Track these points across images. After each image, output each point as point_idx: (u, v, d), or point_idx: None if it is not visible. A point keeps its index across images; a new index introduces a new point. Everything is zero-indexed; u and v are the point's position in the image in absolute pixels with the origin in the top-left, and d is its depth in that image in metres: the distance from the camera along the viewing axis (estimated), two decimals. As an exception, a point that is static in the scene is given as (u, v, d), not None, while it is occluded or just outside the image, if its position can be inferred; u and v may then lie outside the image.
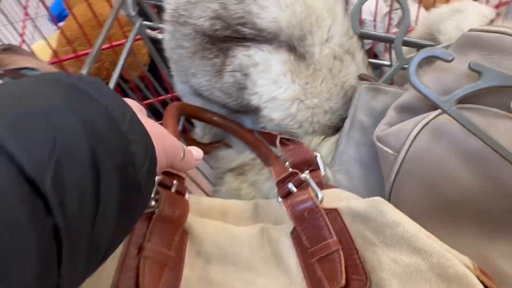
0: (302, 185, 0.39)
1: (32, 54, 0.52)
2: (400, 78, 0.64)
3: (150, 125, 0.27)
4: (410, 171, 0.40)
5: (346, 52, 0.47)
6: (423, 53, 0.37)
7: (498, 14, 0.50)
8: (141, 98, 1.01)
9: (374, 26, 0.94)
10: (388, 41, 0.52)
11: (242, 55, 0.50)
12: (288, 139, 0.46)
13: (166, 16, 0.52)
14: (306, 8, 0.46)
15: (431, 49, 0.36)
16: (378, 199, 0.34)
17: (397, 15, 0.97)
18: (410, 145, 0.40)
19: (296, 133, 0.48)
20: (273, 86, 0.48)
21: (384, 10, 0.93)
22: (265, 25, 0.47)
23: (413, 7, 0.97)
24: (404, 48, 0.59)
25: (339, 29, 0.47)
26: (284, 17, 0.46)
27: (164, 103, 0.97)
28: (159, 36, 0.60)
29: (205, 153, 0.69)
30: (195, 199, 0.40)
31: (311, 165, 0.44)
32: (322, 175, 0.41)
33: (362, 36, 0.50)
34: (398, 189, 0.41)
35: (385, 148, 0.41)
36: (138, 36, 0.62)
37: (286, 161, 0.44)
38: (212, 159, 0.60)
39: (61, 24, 1.34)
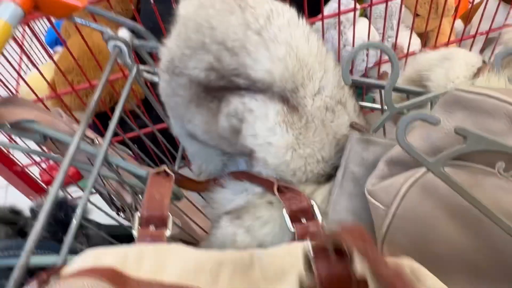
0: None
1: (28, 103, 0.54)
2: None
3: None
4: (401, 226, 0.41)
5: (338, 102, 0.49)
6: (410, 116, 0.38)
7: (484, 62, 0.52)
8: (138, 126, 1.02)
9: (367, 55, 0.95)
10: (379, 87, 0.53)
11: (237, 102, 0.51)
12: (285, 187, 0.47)
13: (162, 66, 0.53)
14: (298, 62, 0.47)
15: (418, 113, 0.38)
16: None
17: (389, 43, 0.99)
18: (400, 202, 0.41)
19: (290, 180, 0.50)
20: (268, 132, 0.49)
21: (376, 38, 0.95)
22: (259, 76, 0.49)
23: (405, 33, 0.99)
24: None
25: (331, 81, 0.49)
26: (276, 69, 0.48)
27: (163, 132, 0.99)
28: (156, 79, 0.62)
29: (201, 191, 0.70)
30: None
31: (308, 214, 0.45)
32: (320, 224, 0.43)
33: (354, 84, 0.51)
34: (389, 241, 0.43)
35: (376, 203, 0.42)
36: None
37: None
38: (209, 200, 0.61)
39: (58, 48, 1.36)
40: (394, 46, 0.95)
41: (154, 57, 0.82)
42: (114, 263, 0.32)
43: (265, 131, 0.49)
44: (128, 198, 0.64)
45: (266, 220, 0.50)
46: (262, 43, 0.48)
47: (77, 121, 1.02)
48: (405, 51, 0.97)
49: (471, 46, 1.01)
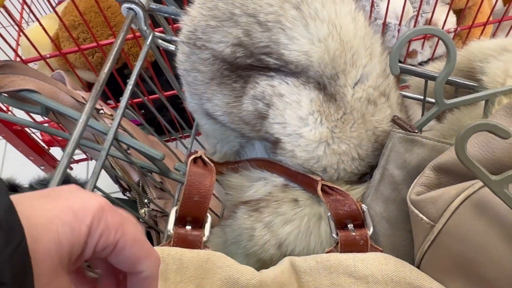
0: None
1: (28, 69, 0.47)
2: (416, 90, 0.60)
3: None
4: (446, 244, 0.37)
5: (381, 94, 0.43)
6: (475, 125, 0.32)
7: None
8: (146, 91, 0.96)
9: (398, 31, 0.88)
10: (428, 78, 0.47)
11: (265, 84, 0.46)
12: (331, 187, 0.42)
13: (182, 36, 0.46)
14: (341, 45, 0.41)
15: (485, 122, 0.32)
16: None
17: (422, 18, 0.91)
18: (449, 217, 0.36)
19: (320, 176, 0.45)
20: (299, 122, 0.43)
21: (410, 13, 0.87)
22: (293, 57, 0.43)
23: (441, 8, 0.91)
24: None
25: (376, 69, 0.42)
26: (315, 52, 0.41)
27: (171, 98, 0.92)
28: (171, 47, 0.55)
29: (216, 173, 0.65)
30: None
31: (357, 219, 0.40)
32: (369, 234, 0.38)
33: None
34: (430, 258, 0.38)
35: (420, 215, 0.37)
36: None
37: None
38: (224, 186, 0.56)
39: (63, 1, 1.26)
40: (429, 22, 0.88)
41: (170, 22, 0.75)
42: None
43: (296, 120, 0.43)
44: (135, 176, 0.59)
45: (289, 218, 0.45)
46: (300, 19, 0.42)
47: (82, 82, 0.95)
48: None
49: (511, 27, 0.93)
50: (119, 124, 0.44)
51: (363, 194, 0.43)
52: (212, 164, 0.41)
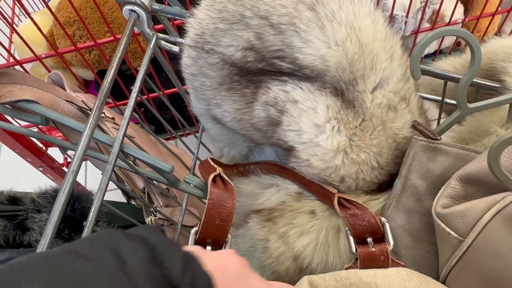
0: None
1: (26, 77, 0.45)
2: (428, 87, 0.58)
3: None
4: (476, 259, 0.35)
5: (401, 99, 0.41)
6: (509, 139, 0.30)
7: None
8: (146, 89, 0.93)
9: (405, 23, 0.85)
10: (448, 79, 0.45)
11: (277, 89, 0.43)
12: (348, 200, 0.40)
13: (188, 40, 0.44)
14: (360, 48, 0.39)
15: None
16: None
17: (430, 9, 0.88)
18: (479, 232, 0.34)
19: (338, 186, 0.42)
20: (316, 130, 0.41)
21: (417, 5, 0.85)
22: (308, 62, 0.40)
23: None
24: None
25: (396, 73, 0.40)
26: (333, 56, 0.39)
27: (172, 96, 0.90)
28: (175, 49, 0.52)
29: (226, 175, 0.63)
30: None
31: (377, 234, 0.38)
32: (390, 249, 0.36)
33: (419, 75, 0.43)
34: (458, 274, 0.36)
35: (448, 229, 0.36)
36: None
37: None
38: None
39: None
40: (437, 13, 0.85)
41: (173, 23, 0.72)
42: None
43: (312, 128, 0.41)
44: (140, 183, 0.57)
45: (306, 230, 0.43)
46: (316, 21, 0.39)
47: (78, 80, 0.92)
48: (447, 19, 0.87)
49: (520, 18, 0.91)
50: (125, 134, 0.42)
51: (384, 205, 0.41)
52: (232, 184, 0.39)
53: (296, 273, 0.45)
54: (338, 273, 0.38)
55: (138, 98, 0.89)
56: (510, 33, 0.97)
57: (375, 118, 0.40)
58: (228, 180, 0.40)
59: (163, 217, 0.54)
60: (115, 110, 0.88)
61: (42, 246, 0.33)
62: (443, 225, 0.36)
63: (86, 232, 0.37)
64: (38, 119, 0.44)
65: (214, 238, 0.37)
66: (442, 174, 0.39)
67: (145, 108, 0.98)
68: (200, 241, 0.36)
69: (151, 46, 0.47)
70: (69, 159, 1.00)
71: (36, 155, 0.96)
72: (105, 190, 0.39)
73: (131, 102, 0.43)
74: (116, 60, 0.40)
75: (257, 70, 0.43)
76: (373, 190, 0.43)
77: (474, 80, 0.45)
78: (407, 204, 0.40)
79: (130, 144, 0.42)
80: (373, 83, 0.40)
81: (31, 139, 0.95)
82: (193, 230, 0.36)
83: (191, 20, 0.43)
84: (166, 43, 0.52)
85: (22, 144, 0.91)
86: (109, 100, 0.94)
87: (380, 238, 0.38)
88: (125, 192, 0.57)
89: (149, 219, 0.55)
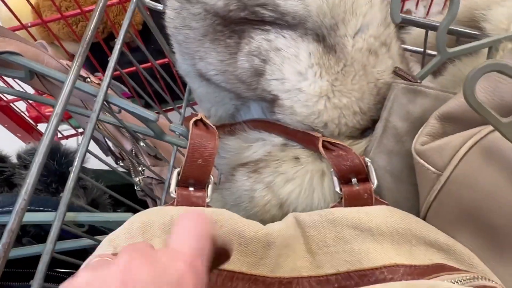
0: None
1: (8, 32, 0.45)
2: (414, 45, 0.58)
3: None
4: (454, 192, 0.36)
5: (382, 44, 0.41)
6: (485, 65, 0.31)
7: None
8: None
9: None
10: (429, 28, 0.45)
11: (260, 39, 0.44)
12: (332, 143, 0.41)
13: (171, -10, 0.44)
14: (340, -8, 0.39)
15: (495, 63, 0.31)
16: None
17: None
18: (456, 165, 0.35)
19: (321, 132, 0.43)
20: (298, 76, 0.42)
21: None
22: (290, 8, 0.41)
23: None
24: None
25: (377, 17, 0.41)
26: (314, 1, 0.39)
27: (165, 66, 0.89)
28: (159, 7, 0.53)
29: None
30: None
31: (361, 174, 0.39)
32: (374, 188, 0.37)
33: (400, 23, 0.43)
34: (437, 209, 0.37)
35: (426, 165, 0.36)
36: None
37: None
38: (219, 150, 0.54)
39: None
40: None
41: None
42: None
43: (295, 75, 0.42)
44: (128, 145, 0.57)
45: (291, 177, 0.44)
46: (296, -35, 0.40)
47: (67, 53, 0.92)
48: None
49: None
50: (109, 86, 0.42)
51: (366, 148, 0.42)
52: (214, 127, 0.40)
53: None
54: (323, 210, 0.39)
55: (128, 70, 0.89)
56: None
57: (356, 63, 0.41)
58: (210, 124, 0.40)
59: (151, 176, 0.55)
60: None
61: (23, 195, 0.33)
62: (421, 161, 0.37)
63: (71, 178, 0.38)
64: (22, 73, 0.45)
65: (196, 178, 0.37)
66: (422, 116, 0.40)
67: (135, 81, 0.98)
68: (183, 181, 0.37)
69: (134, 1, 0.47)
70: (59, 135, 1.00)
71: (26, 130, 0.96)
72: (90, 137, 0.39)
73: (115, 54, 0.43)
74: (99, 7, 0.40)
75: (240, 19, 0.43)
76: (356, 136, 0.43)
77: (454, 27, 0.46)
78: (388, 145, 0.41)
79: (114, 95, 0.43)
80: (353, 27, 0.40)
81: (22, 114, 0.95)
82: (175, 171, 0.37)
83: (173, -31, 0.43)
84: (150, 1, 0.52)
85: (11, 119, 0.91)
86: (99, 74, 0.94)
87: (364, 178, 0.39)
88: (113, 154, 0.57)
89: (138, 178, 0.56)
